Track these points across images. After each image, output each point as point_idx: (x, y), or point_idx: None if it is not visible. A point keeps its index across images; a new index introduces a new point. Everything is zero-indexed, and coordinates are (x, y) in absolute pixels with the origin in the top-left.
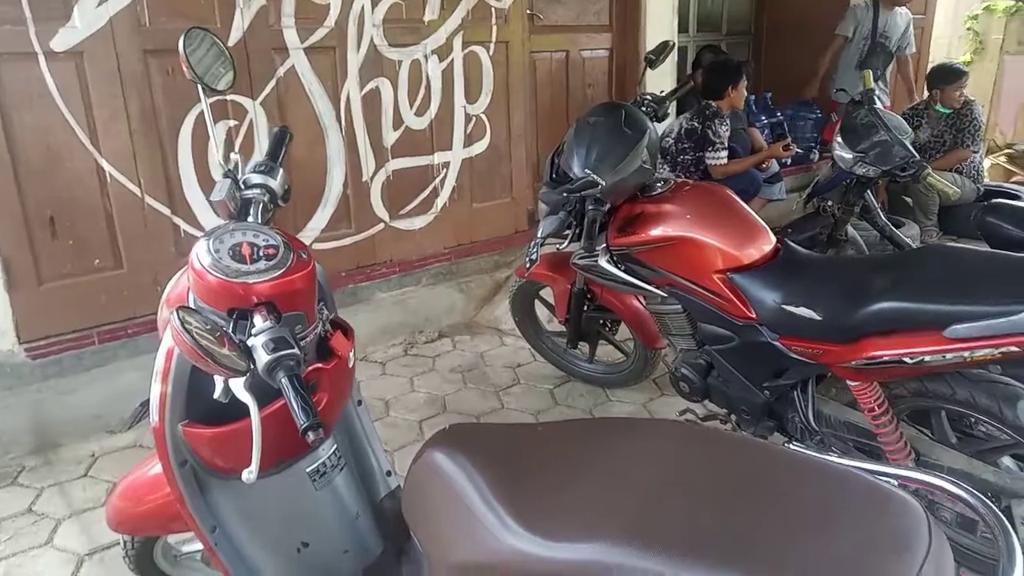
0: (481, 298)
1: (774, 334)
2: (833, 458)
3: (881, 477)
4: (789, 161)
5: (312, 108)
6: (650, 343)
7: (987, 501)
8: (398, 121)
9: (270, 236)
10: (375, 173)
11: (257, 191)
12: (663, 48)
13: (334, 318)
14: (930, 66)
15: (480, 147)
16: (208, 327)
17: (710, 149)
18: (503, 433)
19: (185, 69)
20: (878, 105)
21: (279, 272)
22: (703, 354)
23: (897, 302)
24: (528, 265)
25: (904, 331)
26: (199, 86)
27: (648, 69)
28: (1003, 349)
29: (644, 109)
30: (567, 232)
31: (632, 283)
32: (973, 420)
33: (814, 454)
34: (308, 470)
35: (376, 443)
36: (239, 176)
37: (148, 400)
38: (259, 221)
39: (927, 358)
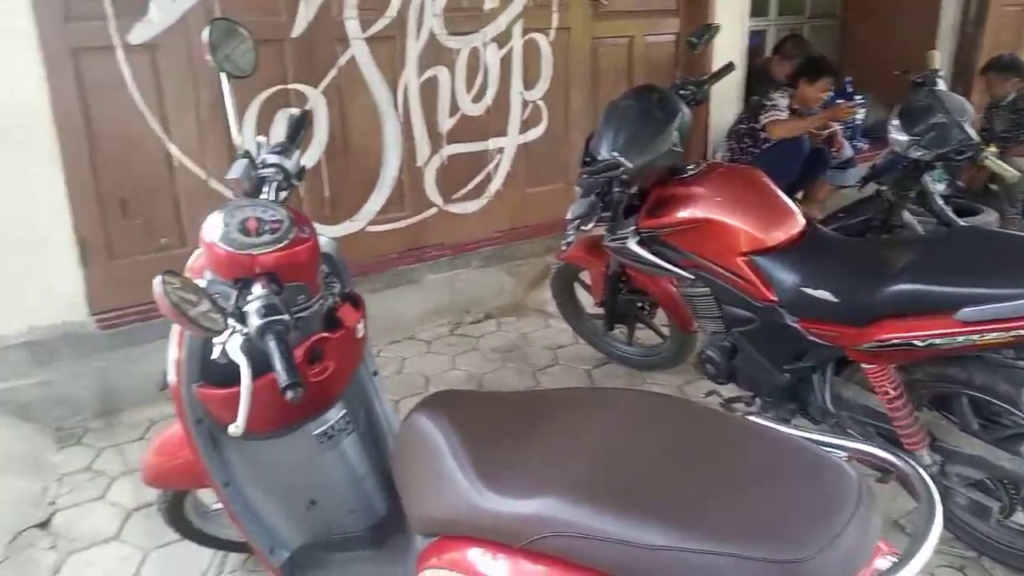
0: (530, 281)
1: (793, 316)
2: (782, 428)
3: (827, 448)
4: (866, 146)
5: (370, 96)
6: (684, 326)
7: (909, 460)
8: (454, 108)
9: (276, 212)
10: (430, 158)
11: (272, 171)
12: (705, 31)
13: (348, 291)
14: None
15: (536, 133)
16: (191, 290)
17: (763, 113)
18: (484, 399)
19: (208, 58)
20: (940, 86)
21: (280, 245)
22: (729, 337)
23: (911, 284)
24: (564, 248)
25: (917, 314)
26: (221, 73)
27: (692, 51)
28: (1013, 333)
29: (682, 93)
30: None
31: (660, 265)
32: (997, 407)
33: (769, 424)
34: (315, 432)
35: (389, 411)
36: (257, 157)
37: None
38: (271, 199)
39: (937, 341)
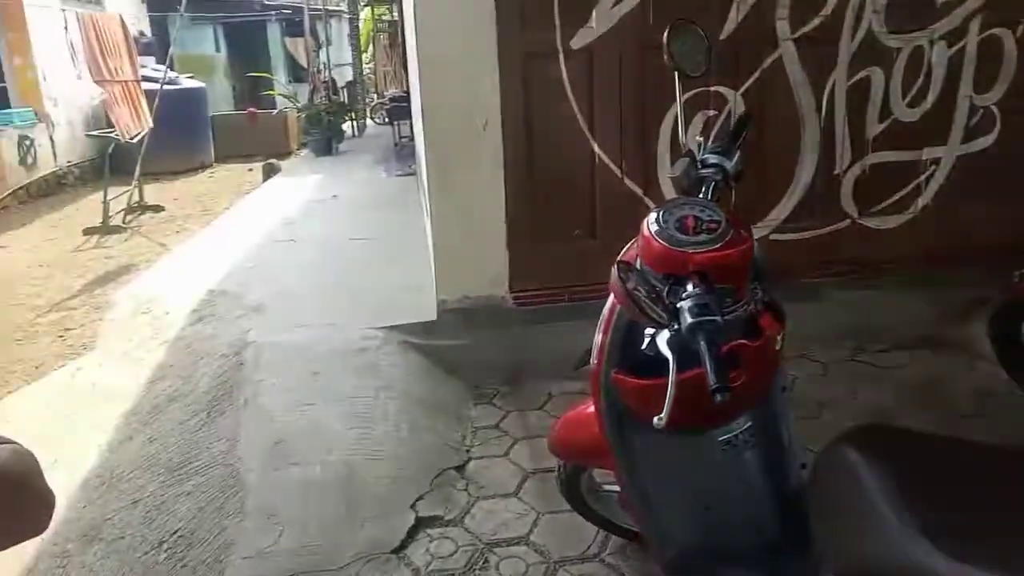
0: (957, 313)
1: None
2: None
3: None
4: None
5: (791, 98)
6: None
7: None
8: (885, 112)
9: (714, 212)
10: (849, 166)
11: (711, 171)
12: None
13: (768, 300)
14: None
15: (984, 143)
16: (643, 282)
17: None
18: (920, 441)
19: (666, 57)
20: None
21: (715, 245)
22: None
23: None
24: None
25: None
26: (675, 73)
27: None
28: None
29: None
30: None
31: None
32: None
33: None
34: (720, 439)
35: (794, 433)
36: (698, 156)
37: (590, 349)
38: (709, 198)
39: None
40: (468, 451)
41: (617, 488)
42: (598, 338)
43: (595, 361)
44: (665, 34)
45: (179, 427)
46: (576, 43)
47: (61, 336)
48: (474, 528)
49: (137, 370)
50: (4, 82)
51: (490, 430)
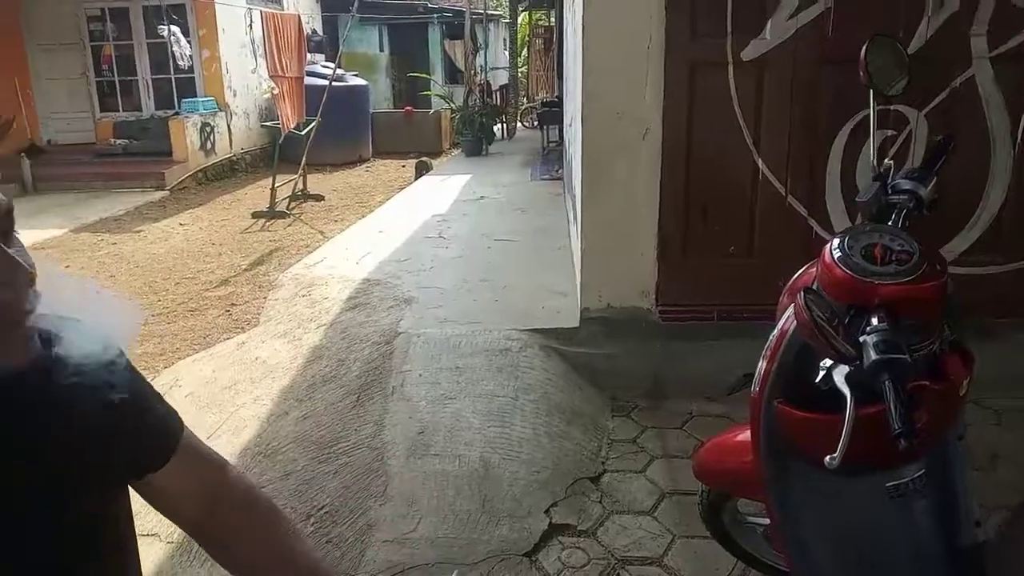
0: None
1: None
2: None
3: None
4: None
5: (982, 121)
6: None
7: None
8: None
9: (906, 242)
10: None
11: (903, 197)
12: None
13: (954, 339)
14: None
15: None
16: (827, 312)
17: None
18: None
19: (861, 74)
20: None
21: (906, 279)
22: None
23: None
24: None
25: None
26: (871, 91)
27: None
28: None
29: None
30: None
31: None
32: None
33: None
34: (888, 484)
35: (969, 486)
36: (888, 181)
37: (751, 374)
38: (899, 226)
39: None
40: (604, 463)
41: (764, 521)
42: (762, 365)
43: (757, 388)
44: (863, 49)
45: (331, 407)
46: (748, 54)
47: (227, 311)
48: (607, 542)
49: (295, 349)
50: (193, 73)
51: (627, 444)
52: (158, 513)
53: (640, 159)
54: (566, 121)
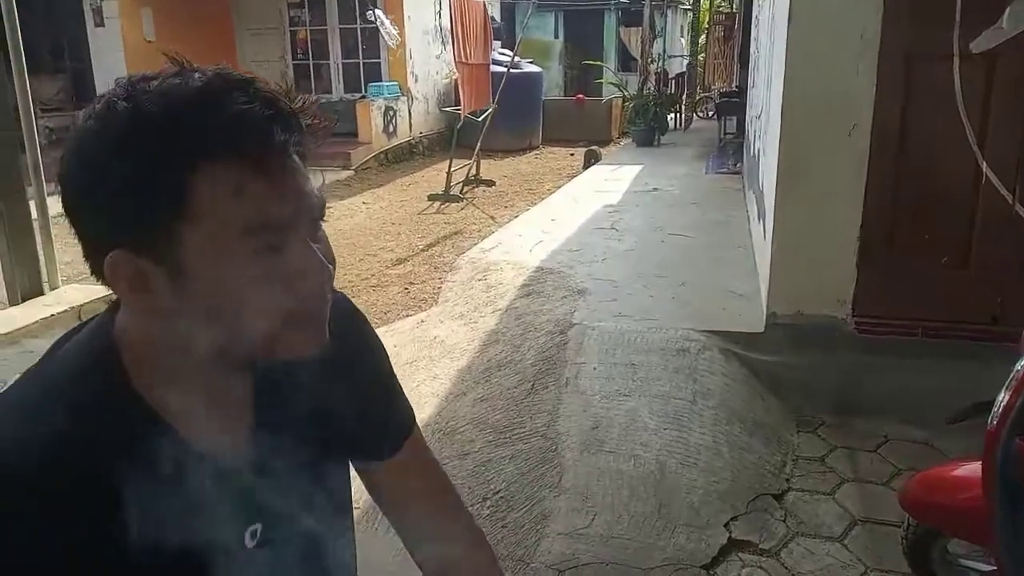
0: None
1: None
2: None
3: None
4: None
5: None
6: None
7: None
8: None
9: None
10: None
11: None
12: None
13: None
14: None
15: None
16: None
17: None
18: None
19: None
20: None
21: None
22: None
23: None
24: None
25: None
26: None
27: None
28: None
29: None
30: None
31: None
32: None
33: None
34: None
35: None
36: None
37: (983, 403)
38: None
39: None
40: (788, 480)
41: (984, 567)
42: (1004, 397)
43: (995, 422)
44: None
45: (506, 392)
46: (977, 45)
47: (406, 289)
48: (791, 565)
49: (472, 332)
50: (379, 58)
51: (814, 462)
52: None
53: (844, 156)
54: (752, 112)
